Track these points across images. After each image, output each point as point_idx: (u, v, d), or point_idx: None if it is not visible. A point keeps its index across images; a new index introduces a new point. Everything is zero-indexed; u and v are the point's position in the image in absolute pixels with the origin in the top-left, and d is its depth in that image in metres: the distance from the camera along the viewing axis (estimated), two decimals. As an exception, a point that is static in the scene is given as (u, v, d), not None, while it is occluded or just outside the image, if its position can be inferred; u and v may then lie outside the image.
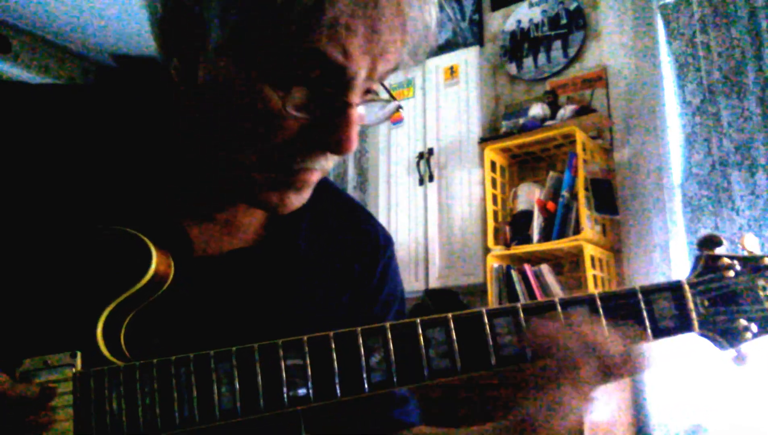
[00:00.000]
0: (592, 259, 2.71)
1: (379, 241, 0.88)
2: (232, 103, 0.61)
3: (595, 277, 2.69)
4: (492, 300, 2.85)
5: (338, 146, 0.62)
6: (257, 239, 0.76)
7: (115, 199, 0.68)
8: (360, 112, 0.64)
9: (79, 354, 0.61)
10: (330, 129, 0.61)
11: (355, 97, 0.61)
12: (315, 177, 0.67)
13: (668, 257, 2.79)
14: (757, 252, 0.64)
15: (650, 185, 2.90)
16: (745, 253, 0.64)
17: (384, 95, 0.69)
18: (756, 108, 2.70)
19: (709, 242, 0.64)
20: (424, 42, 0.64)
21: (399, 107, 0.70)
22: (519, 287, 2.82)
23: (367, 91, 0.65)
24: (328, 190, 0.87)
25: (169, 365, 0.61)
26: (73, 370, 0.61)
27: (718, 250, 0.64)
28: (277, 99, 0.59)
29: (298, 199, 0.67)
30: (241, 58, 0.59)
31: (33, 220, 0.66)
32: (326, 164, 0.66)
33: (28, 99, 0.73)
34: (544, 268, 2.83)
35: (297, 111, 0.60)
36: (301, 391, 0.60)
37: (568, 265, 2.97)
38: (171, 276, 0.66)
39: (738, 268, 0.63)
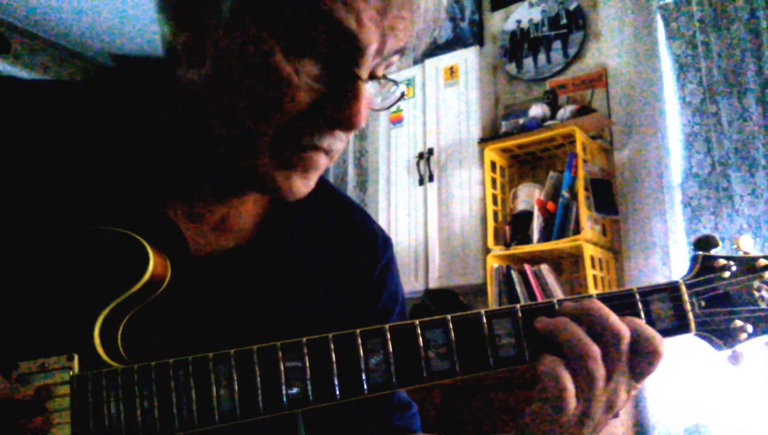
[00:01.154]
0: (592, 259, 2.71)
1: (377, 242, 0.88)
2: (243, 74, 0.61)
3: (595, 277, 2.69)
4: (492, 300, 2.85)
5: (346, 120, 0.62)
6: (252, 238, 0.76)
7: (112, 199, 0.68)
8: (368, 90, 0.64)
9: (76, 357, 0.61)
10: (339, 102, 0.61)
11: (365, 72, 0.62)
12: (322, 160, 0.66)
13: (668, 257, 2.79)
14: (753, 253, 0.64)
15: (650, 185, 2.90)
16: (741, 254, 0.64)
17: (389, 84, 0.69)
18: (756, 108, 2.70)
19: (705, 243, 0.65)
20: (431, 25, 0.64)
21: (403, 94, 0.71)
22: (519, 287, 2.82)
23: (373, 75, 0.65)
24: (325, 189, 0.86)
25: (167, 368, 0.60)
26: (71, 373, 0.61)
27: (714, 251, 0.65)
28: (289, 67, 0.59)
29: (304, 184, 0.67)
30: (252, 26, 0.59)
31: (29, 221, 0.65)
32: (334, 145, 0.66)
33: (23, 95, 0.72)
34: (544, 268, 2.83)
35: (308, 80, 0.60)
36: (301, 393, 0.60)
37: (568, 265, 2.97)
38: (168, 277, 0.66)
39: (734, 268, 0.63)
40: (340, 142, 0.66)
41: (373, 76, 0.65)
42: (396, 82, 0.69)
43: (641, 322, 0.61)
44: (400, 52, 0.64)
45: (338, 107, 0.61)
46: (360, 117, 0.62)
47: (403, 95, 0.71)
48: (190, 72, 0.65)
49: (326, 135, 0.64)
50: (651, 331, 0.60)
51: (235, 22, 0.59)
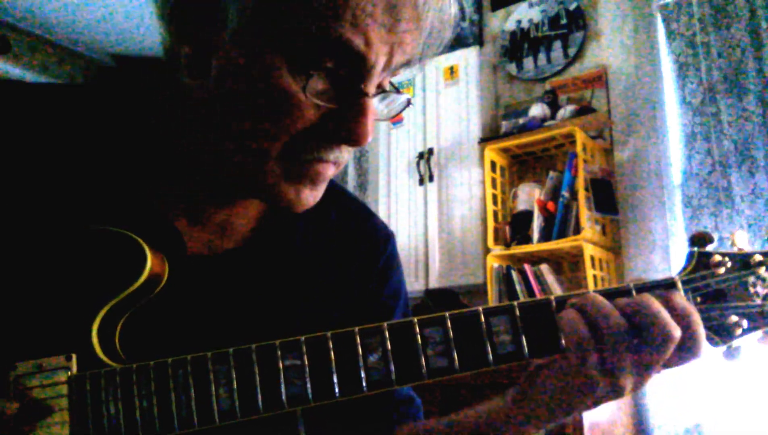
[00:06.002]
0: (592, 259, 2.71)
1: (379, 237, 0.87)
2: (249, 90, 0.60)
3: (595, 277, 2.69)
4: (492, 300, 2.85)
5: (354, 137, 0.61)
6: (251, 239, 0.76)
7: (110, 200, 0.68)
8: (375, 104, 0.64)
9: (74, 357, 0.61)
10: (347, 119, 0.61)
11: (372, 87, 0.61)
12: (330, 171, 0.66)
13: (668, 257, 2.79)
14: (748, 249, 0.64)
15: (650, 185, 2.90)
16: (736, 250, 0.64)
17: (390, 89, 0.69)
18: (756, 108, 2.70)
19: (700, 239, 0.65)
20: (438, 36, 0.64)
21: (409, 101, 0.70)
22: (519, 287, 2.82)
23: (379, 87, 0.64)
24: (328, 188, 0.86)
25: (165, 367, 0.60)
26: (69, 373, 0.61)
27: (709, 247, 0.65)
28: (296, 85, 0.58)
29: (312, 195, 0.67)
30: (259, 44, 0.58)
31: (27, 221, 0.65)
32: (341, 157, 0.65)
33: (23, 97, 0.72)
34: (544, 268, 2.83)
35: (315, 98, 0.59)
36: (300, 392, 0.60)
37: (568, 265, 2.97)
38: (165, 277, 0.66)
39: (729, 264, 0.63)
40: (346, 153, 0.66)
41: (379, 88, 0.65)
42: (399, 91, 0.68)
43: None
44: (407, 63, 0.64)
45: (345, 123, 0.61)
46: (367, 133, 0.62)
47: (409, 102, 0.70)
48: (192, 81, 0.64)
49: (333, 149, 0.64)
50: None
51: (242, 39, 0.58)
